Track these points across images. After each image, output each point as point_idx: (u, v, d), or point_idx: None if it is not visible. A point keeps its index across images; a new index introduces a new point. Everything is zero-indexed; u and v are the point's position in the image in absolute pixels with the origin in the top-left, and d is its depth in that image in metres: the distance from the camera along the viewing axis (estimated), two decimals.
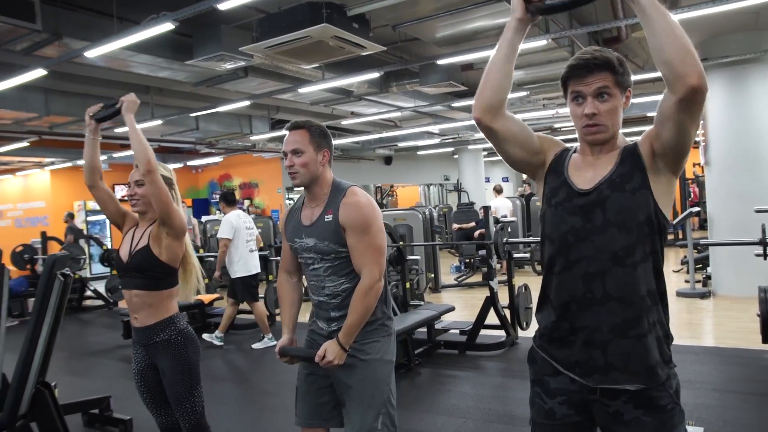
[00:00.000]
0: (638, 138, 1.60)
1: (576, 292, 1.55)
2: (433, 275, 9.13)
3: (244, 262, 6.05)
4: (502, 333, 5.51)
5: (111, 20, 5.40)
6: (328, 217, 2.08)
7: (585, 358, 1.55)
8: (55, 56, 5.84)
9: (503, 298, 5.62)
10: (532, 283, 5.58)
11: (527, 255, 10.44)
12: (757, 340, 4.54)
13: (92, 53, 5.46)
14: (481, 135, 14.15)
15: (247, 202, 16.57)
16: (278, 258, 8.23)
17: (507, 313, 5.55)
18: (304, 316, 2.28)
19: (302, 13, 5.12)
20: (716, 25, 6.86)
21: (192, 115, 9.85)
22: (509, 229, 8.62)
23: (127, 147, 12.45)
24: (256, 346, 6.15)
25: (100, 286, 9.53)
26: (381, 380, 2.09)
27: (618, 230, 1.51)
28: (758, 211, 5.26)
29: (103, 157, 12.46)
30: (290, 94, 8.47)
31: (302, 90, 7.90)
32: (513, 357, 5.20)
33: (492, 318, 5.45)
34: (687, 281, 7.80)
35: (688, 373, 4.36)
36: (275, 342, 6.29)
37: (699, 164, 14.27)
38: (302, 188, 2.18)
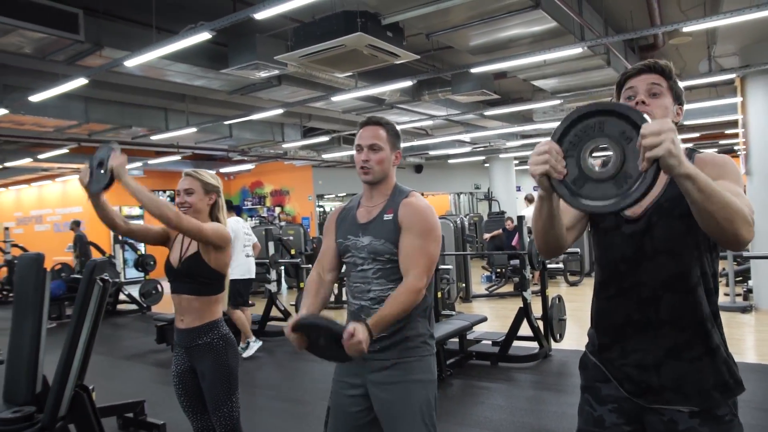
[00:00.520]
0: (694, 156, 1.53)
1: (631, 317, 1.53)
2: (464, 285, 9.07)
3: (239, 266, 6.06)
4: (534, 344, 5.43)
5: (150, 30, 5.52)
6: (388, 216, 2.01)
7: (638, 379, 1.52)
8: (96, 66, 5.98)
9: (536, 309, 5.54)
10: (565, 294, 5.50)
11: (560, 265, 10.30)
12: None
13: (131, 62, 5.58)
14: (512, 143, 14.03)
15: (278, 210, 16.71)
16: (309, 266, 8.26)
17: (540, 324, 5.47)
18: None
19: (337, 22, 5.15)
20: (758, 31, 6.70)
21: (226, 122, 9.99)
22: None
23: (161, 154, 12.71)
24: (246, 354, 6.04)
25: (135, 291, 9.69)
26: (427, 402, 1.97)
27: (667, 257, 1.48)
28: None
29: (137, 164, 12.78)
30: (322, 102, 8.52)
31: (335, 98, 7.94)
32: (546, 369, 5.12)
33: (525, 329, 5.38)
34: (727, 294, 7.59)
35: None
36: (260, 342, 6.29)
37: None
38: (366, 185, 2.10)
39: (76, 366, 2.70)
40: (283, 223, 12.77)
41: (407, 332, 1.99)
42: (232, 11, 4.90)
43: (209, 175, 2.60)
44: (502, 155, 16.58)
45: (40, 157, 11.62)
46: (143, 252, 10.35)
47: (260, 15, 4.57)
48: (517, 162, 17.78)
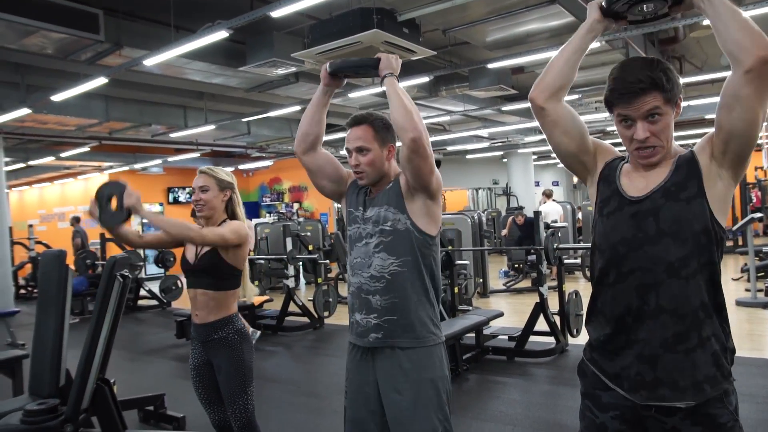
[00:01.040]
0: (695, 144, 1.54)
1: (631, 305, 1.50)
2: (481, 280, 9.06)
3: None
4: (551, 340, 5.42)
5: (168, 29, 5.59)
6: (389, 185, 2.03)
7: (634, 372, 1.50)
8: (116, 65, 6.08)
9: (553, 305, 5.52)
10: (583, 289, 5.48)
11: (578, 261, 10.24)
12: None
13: (150, 61, 5.66)
14: (531, 138, 13.99)
15: (296, 206, 16.80)
16: (327, 262, 8.32)
17: (557, 319, 5.46)
18: (343, 319, 2.23)
19: (353, 18, 5.17)
20: None
21: (244, 120, 10.07)
22: (560, 235, 8.46)
23: (181, 151, 12.84)
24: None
25: (155, 287, 9.82)
26: (438, 396, 1.95)
27: (672, 240, 1.46)
28: None
29: (157, 161, 12.96)
30: (340, 99, 8.55)
31: (352, 95, 7.97)
32: (563, 364, 5.10)
33: (541, 324, 5.37)
34: (748, 290, 7.48)
35: (750, 386, 4.19)
36: (259, 332, 6.39)
37: (761, 168, 13.72)
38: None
39: (97, 360, 2.75)
40: (301, 219, 12.83)
41: (412, 321, 1.95)
42: (249, 9, 4.94)
43: (224, 172, 2.64)
44: (520, 150, 16.48)
45: (63, 155, 11.82)
46: (163, 248, 10.49)
47: (277, 13, 4.61)
48: (535, 157, 17.65)
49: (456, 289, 6.15)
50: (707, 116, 10.94)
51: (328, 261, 8.44)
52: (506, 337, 5.51)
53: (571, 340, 5.50)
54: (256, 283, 8.19)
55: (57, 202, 17.18)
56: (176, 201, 16.00)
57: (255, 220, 13.49)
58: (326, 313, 7.33)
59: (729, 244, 13.02)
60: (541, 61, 7.02)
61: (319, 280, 7.66)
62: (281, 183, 17.61)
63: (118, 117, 8.95)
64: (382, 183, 2.07)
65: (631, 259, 1.50)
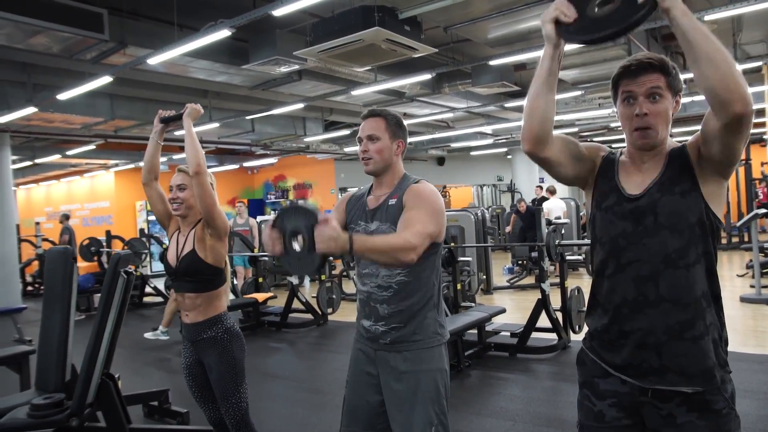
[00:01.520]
0: (687, 140, 1.58)
1: (628, 295, 1.54)
2: (485, 276, 9.08)
3: None
4: (553, 336, 5.44)
5: (172, 28, 5.63)
6: (393, 201, 2.04)
7: (638, 360, 1.53)
8: (121, 64, 6.12)
9: (556, 301, 5.54)
10: (586, 286, 5.48)
11: (581, 257, 10.24)
12: None
13: (154, 60, 5.70)
14: None
15: (301, 203, 16.86)
16: (330, 258, 8.35)
17: (559, 316, 5.48)
18: (346, 315, 2.23)
19: (355, 16, 5.20)
20: None
21: (248, 117, 10.12)
22: (563, 231, 8.47)
23: None
24: (147, 335, 6.66)
25: (160, 284, 9.89)
26: (436, 390, 1.98)
27: (670, 233, 1.50)
28: None
29: (162, 159, 12.93)
30: (343, 96, 8.58)
31: (355, 92, 7.99)
32: (564, 360, 5.12)
33: (544, 321, 5.39)
34: (752, 286, 7.47)
35: (751, 383, 4.20)
36: (167, 336, 6.65)
37: (767, 163, 13.65)
38: (372, 176, 2.13)
39: (102, 355, 2.80)
40: None
41: (418, 326, 2.01)
42: (252, 8, 4.98)
43: None
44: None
45: (69, 153, 11.90)
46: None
47: (279, 12, 4.64)
48: None
49: (459, 286, 6.18)
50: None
51: (332, 258, 8.47)
52: (508, 334, 5.54)
53: (573, 337, 5.52)
54: (261, 279, 8.22)
55: (63, 200, 17.30)
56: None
57: (260, 218, 13.54)
58: (330, 310, 7.37)
59: (735, 240, 12.98)
60: None
61: (323, 277, 7.70)
62: (286, 180, 17.66)
63: (123, 115, 9.01)
64: (384, 181, 2.11)
65: (630, 251, 1.54)
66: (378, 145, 2.06)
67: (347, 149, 14.31)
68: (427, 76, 7.57)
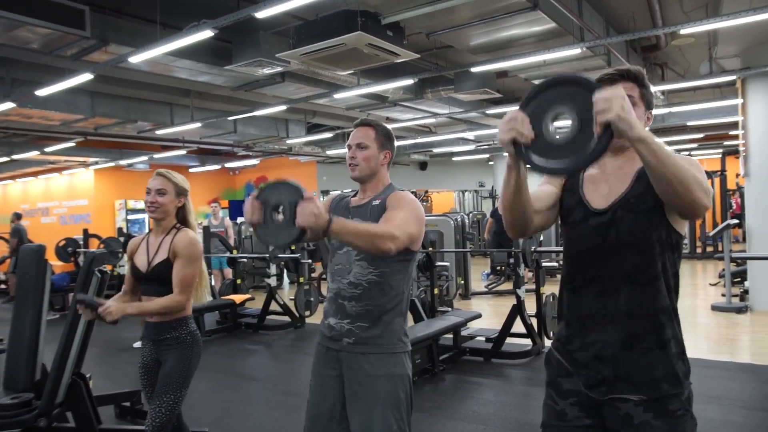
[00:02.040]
0: None
1: (591, 309, 1.60)
2: (463, 282, 9.13)
3: None
4: (528, 342, 5.50)
5: (154, 27, 5.60)
6: (376, 202, 2.11)
7: (593, 372, 1.58)
8: (102, 61, 6.07)
9: (531, 307, 5.60)
10: None
11: (557, 264, 10.32)
12: None
13: (136, 59, 5.67)
14: None
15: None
16: (310, 261, 8.35)
17: (534, 321, 5.54)
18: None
19: (338, 20, 5.22)
20: (759, 34, 6.72)
21: (230, 118, 10.07)
22: (541, 238, 8.55)
23: (167, 148, 12.80)
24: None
25: None
26: (396, 396, 2.01)
27: (632, 250, 1.55)
28: None
29: (143, 158, 12.81)
30: (326, 99, 8.59)
31: (338, 95, 8.01)
32: (538, 366, 5.18)
33: (519, 326, 5.45)
34: (723, 295, 7.63)
35: (717, 389, 4.29)
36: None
37: (741, 175, 13.90)
38: (357, 182, 2.18)
39: (73, 354, 2.79)
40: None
41: (384, 329, 2.04)
42: (236, 9, 4.97)
43: (181, 177, 2.65)
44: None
45: (47, 150, 11.75)
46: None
47: (261, 14, 4.65)
48: None
49: (436, 291, 6.22)
50: (689, 123, 11.11)
51: (311, 260, 8.46)
52: (484, 339, 5.59)
53: (547, 343, 5.58)
54: (239, 281, 8.19)
55: (41, 197, 17.05)
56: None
57: (240, 219, 13.48)
58: (307, 313, 7.37)
59: (709, 249, 13.20)
60: (524, 66, 7.10)
61: (301, 280, 7.69)
62: (267, 182, 17.58)
63: (104, 113, 8.91)
64: (369, 187, 2.17)
65: (595, 266, 1.60)
66: (366, 153, 2.14)
67: (330, 152, 14.30)
68: (409, 81, 7.60)
